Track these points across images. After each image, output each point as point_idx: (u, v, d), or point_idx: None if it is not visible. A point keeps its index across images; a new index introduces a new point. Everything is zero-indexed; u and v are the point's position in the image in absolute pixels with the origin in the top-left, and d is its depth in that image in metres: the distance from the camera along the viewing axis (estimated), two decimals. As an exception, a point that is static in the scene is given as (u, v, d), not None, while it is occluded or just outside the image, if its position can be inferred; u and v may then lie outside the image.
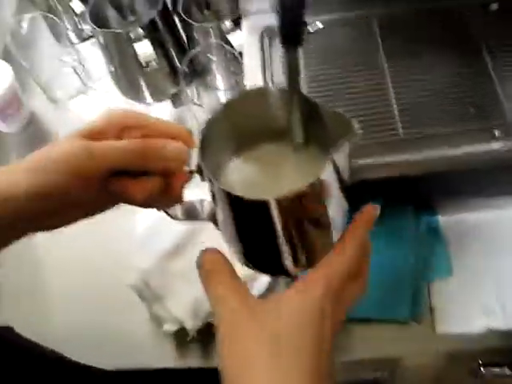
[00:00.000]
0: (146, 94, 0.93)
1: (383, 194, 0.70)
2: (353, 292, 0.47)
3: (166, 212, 0.49)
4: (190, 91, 0.93)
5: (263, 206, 0.40)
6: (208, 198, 0.46)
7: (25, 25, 0.93)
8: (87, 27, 1.01)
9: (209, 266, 0.45)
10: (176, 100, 0.95)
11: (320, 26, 0.73)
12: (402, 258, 0.75)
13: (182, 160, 0.44)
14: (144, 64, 0.83)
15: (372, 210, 0.49)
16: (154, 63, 0.84)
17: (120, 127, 0.44)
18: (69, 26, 1.01)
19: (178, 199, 0.46)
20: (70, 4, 0.94)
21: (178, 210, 0.49)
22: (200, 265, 0.45)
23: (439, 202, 0.77)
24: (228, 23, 0.85)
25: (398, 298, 0.72)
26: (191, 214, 0.50)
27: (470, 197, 0.76)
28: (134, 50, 0.84)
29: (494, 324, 0.69)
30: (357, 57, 0.70)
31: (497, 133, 0.63)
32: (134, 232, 0.81)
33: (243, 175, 0.48)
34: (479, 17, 0.72)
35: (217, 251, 0.46)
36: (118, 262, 0.79)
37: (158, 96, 0.94)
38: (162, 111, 0.95)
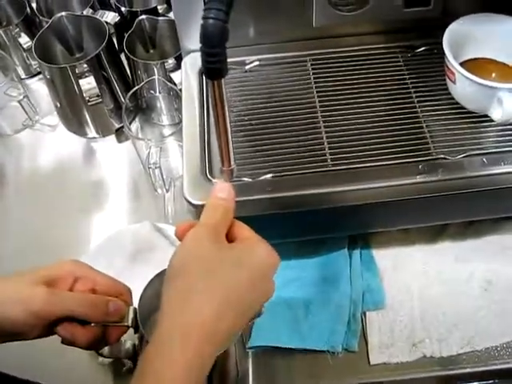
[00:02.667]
0: (91, 128, 0.95)
1: (317, 224, 0.72)
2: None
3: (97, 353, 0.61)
4: (134, 127, 0.95)
5: None
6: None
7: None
8: (35, 62, 1.02)
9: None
10: (120, 135, 0.96)
11: (256, 63, 0.76)
12: (336, 290, 0.76)
13: (121, 316, 0.55)
14: (88, 99, 0.84)
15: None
16: (98, 98, 0.85)
17: (72, 278, 0.55)
18: (17, 61, 1.02)
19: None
20: (19, 39, 0.95)
21: (104, 348, 0.62)
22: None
23: (373, 234, 0.80)
24: (171, 61, 0.87)
25: (333, 328, 0.73)
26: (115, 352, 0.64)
27: (402, 230, 0.79)
28: (79, 85, 0.85)
29: (427, 352, 0.70)
30: (290, 93, 0.73)
31: (422, 167, 0.65)
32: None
33: None
34: (407, 58, 0.76)
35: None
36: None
37: (102, 131, 0.95)
38: (106, 146, 0.96)
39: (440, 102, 0.71)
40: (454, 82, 0.67)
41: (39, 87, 1.03)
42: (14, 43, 0.98)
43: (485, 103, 0.65)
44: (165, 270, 0.48)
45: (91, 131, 0.95)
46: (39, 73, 1.03)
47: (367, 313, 0.74)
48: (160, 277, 0.59)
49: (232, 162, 0.53)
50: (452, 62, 0.65)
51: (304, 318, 0.74)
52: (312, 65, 0.76)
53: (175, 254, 0.47)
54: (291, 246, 0.80)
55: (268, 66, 0.76)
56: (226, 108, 0.48)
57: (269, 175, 0.65)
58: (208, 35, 0.44)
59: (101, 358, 0.71)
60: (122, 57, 0.94)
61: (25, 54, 1.00)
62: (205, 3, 0.45)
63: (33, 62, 1.01)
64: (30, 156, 0.96)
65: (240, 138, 0.69)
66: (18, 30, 0.96)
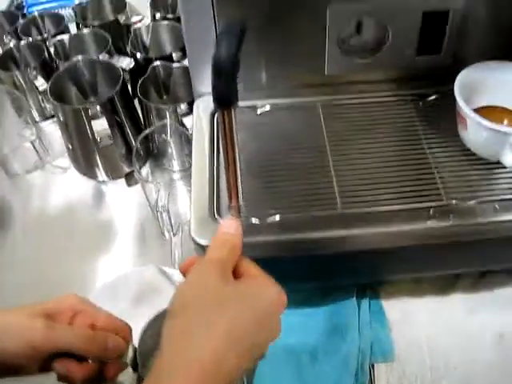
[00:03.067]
0: (102, 171, 0.95)
1: (325, 270, 0.71)
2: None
3: None
4: (145, 171, 0.95)
5: None
6: None
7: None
8: (50, 105, 1.03)
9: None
10: (130, 179, 0.96)
11: (268, 108, 0.76)
12: (344, 339, 0.74)
13: (120, 353, 0.54)
14: (99, 140, 0.84)
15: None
16: (109, 140, 0.85)
17: (72, 312, 0.54)
18: (32, 104, 1.04)
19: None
20: (35, 82, 0.96)
21: None
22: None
23: (382, 284, 0.78)
24: (184, 106, 0.88)
25: (341, 379, 0.70)
26: None
27: (412, 280, 0.77)
28: (91, 127, 0.86)
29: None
30: (300, 137, 0.73)
31: (433, 212, 0.64)
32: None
33: None
34: (418, 106, 0.76)
35: None
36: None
37: (112, 174, 0.95)
38: (115, 189, 0.96)
39: (451, 149, 0.71)
40: (465, 129, 0.66)
41: (53, 130, 1.04)
42: (31, 86, 0.99)
43: (497, 149, 0.65)
44: (166, 309, 0.46)
45: (101, 174, 0.95)
46: (53, 116, 1.04)
47: (375, 365, 0.72)
48: (161, 316, 0.58)
49: (240, 199, 0.52)
50: (464, 108, 0.64)
51: (310, 366, 0.72)
52: (323, 110, 0.76)
53: (177, 290, 0.46)
54: (298, 294, 0.79)
55: (279, 111, 0.76)
56: (235, 140, 0.47)
57: (277, 216, 0.65)
58: (219, 65, 0.44)
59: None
60: (136, 103, 0.96)
61: (40, 97, 1.02)
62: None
63: (47, 105, 1.03)
64: (39, 196, 0.97)
65: (249, 180, 0.68)
66: (34, 72, 0.97)
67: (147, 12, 1.07)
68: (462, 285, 0.78)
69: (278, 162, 0.70)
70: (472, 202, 0.65)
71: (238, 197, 0.52)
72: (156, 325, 0.58)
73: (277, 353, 0.74)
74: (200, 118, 0.76)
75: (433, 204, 0.65)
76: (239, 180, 0.51)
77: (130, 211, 0.93)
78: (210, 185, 0.68)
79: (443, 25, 0.73)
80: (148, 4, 1.06)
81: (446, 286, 0.78)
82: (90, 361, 0.53)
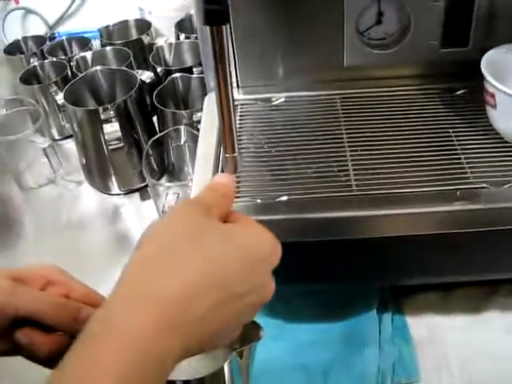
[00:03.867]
0: (115, 184, 0.91)
1: (338, 264, 0.64)
2: None
3: None
4: (159, 185, 0.91)
5: None
6: None
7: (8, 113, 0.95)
8: (69, 125, 1.02)
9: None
10: (144, 193, 0.92)
11: (282, 99, 0.72)
12: (361, 355, 0.66)
13: None
14: (109, 142, 0.81)
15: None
16: (119, 143, 0.82)
17: (44, 281, 0.47)
18: (52, 122, 1.03)
19: None
20: (55, 97, 0.95)
21: None
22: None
23: (406, 298, 0.71)
24: (200, 114, 0.84)
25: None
26: None
27: (439, 294, 0.69)
28: (103, 133, 0.83)
29: None
30: (316, 128, 0.68)
31: (460, 194, 0.57)
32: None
33: None
34: (445, 100, 0.71)
35: None
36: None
37: (126, 187, 0.92)
38: (129, 204, 0.92)
39: (479, 135, 0.65)
40: (494, 107, 0.60)
41: (70, 148, 1.02)
42: (52, 102, 0.99)
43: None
44: None
45: (115, 187, 0.92)
46: (71, 135, 1.03)
47: (399, 385, 0.63)
48: None
49: (236, 149, 0.47)
50: (491, 82, 0.59)
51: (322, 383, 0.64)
52: (342, 103, 0.71)
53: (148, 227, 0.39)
54: (315, 308, 0.71)
55: (295, 103, 0.72)
56: (228, 68, 0.43)
57: (284, 197, 0.59)
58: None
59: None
60: (154, 119, 0.94)
61: (60, 116, 1.01)
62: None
63: (67, 125, 1.01)
64: (51, 210, 0.94)
65: (258, 164, 0.63)
66: (56, 88, 0.97)
67: (171, 35, 1.08)
68: (500, 299, 0.70)
69: (290, 149, 0.65)
70: (504, 187, 0.58)
71: (233, 146, 0.47)
72: None
73: (286, 370, 0.66)
74: (210, 110, 0.72)
75: (460, 187, 0.58)
76: (234, 125, 0.46)
77: (143, 225, 0.89)
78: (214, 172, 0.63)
79: (469, 14, 0.69)
80: (173, 27, 1.06)
81: (479, 300, 0.70)
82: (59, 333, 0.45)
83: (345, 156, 0.63)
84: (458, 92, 0.72)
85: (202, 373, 0.43)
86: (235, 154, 0.47)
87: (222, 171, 0.63)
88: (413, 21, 0.69)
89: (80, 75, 0.89)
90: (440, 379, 0.64)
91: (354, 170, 0.61)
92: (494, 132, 0.64)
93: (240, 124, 0.69)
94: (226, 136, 0.45)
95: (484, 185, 0.58)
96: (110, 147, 0.82)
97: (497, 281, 0.71)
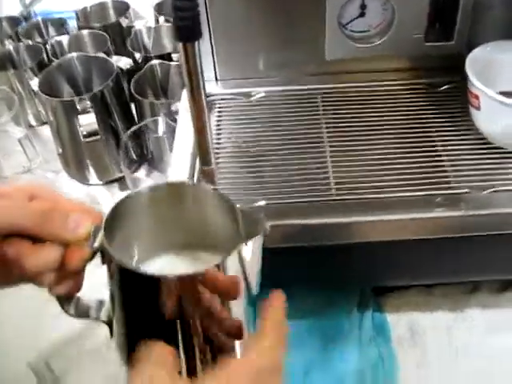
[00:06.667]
0: (92, 174, 0.89)
1: (317, 268, 0.63)
2: None
3: (60, 303, 0.44)
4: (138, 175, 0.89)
5: (166, 283, 0.37)
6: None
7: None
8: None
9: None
10: (123, 182, 0.90)
11: (262, 94, 0.70)
12: (341, 355, 0.66)
13: (84, 234, 0.40)
14: (85, 134, 0.79)
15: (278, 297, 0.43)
16: (95, 136, 0.80)
17: (28, 194, 0.41)
18: (28, 109, 1.00)
19: (74, 286, 0.42)
20: (30, 82, 0.92)
21: (71, 304, 0.45)
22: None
23: (386, 296, 0.70)
24: (178, 104, 0.82)
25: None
26: (84, 312, 0.45)
27: (421, 292, 0.69)
28: (79, 121, 0.81)
29: None
30: (296, 124, 0.67)
31: (441, 200, 0.56)
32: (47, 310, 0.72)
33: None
34: (428, 96, 0.69)
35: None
36: (23, 338, 0.69)
37: (104, 177, 0.90)
38: (108, 194, 0.90)
39: (462, 137, 0.64)
40: (478, 108, 0.59)
41: (47, 134, 0.99)
42: (28, 87, 0.96)
43: (512, 130, 0.57)
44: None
45: (92, 177, 0.90)
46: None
47: (379, 384, 0.63)
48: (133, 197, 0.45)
49: (213, 162, 0.45)
50: (475, 83, 0.57)
51: (301, 384, 0.63)
52: (323, 99, 0.70)
53: None
54: (292, 305, 0.70)
55: (275, 98, 0.70)
56: (202, 83, 0.41)
57: (262, 202, 0.57)
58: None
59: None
60: (132, 106, 0.92)
61: (37, 101, 0.98)
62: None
63: (42, 110, 0.98)
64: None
65: (236, 165, 0.62)
66: (31, 73, 0.94)
67: (151, 17, 1.04)
68: (481, 298, 0.69)
69: (269, 148, 0.64)
70: (485, 192, 0.57)
71: (210, 158, 0.45)
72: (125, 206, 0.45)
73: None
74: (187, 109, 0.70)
75: (441, 192, 0.57)
76: (209, 138, 0.44)
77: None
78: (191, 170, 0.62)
79: (454, 7, 0.67)
80: (152, 9, 1.02)
81: (461, 298, 0.70)
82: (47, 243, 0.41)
83: (325, 157, 0.62)
84: (443, 87, 0.70)
85: None
86: (212, 167, 0.45)
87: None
88: (397, 13, 0.67)
89: (56, 61, 0.86)
90: (419, 379, 0.64)
91: (334, 172, 0.60)
92: (477, 132, 0.63)
93: (218, 121, 0.67)
94: (202, 150, 0.44)
95: (466, 190, 0.57)
96: (87, 140, 0.80)
97: (478, 279, 0.70)
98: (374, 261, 0.61)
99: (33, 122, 1.02)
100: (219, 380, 0.36)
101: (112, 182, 0.91)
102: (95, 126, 0.80)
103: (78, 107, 0.80)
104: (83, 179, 0.91)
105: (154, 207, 0.44)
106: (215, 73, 0.71)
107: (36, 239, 0.39)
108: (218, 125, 0.66)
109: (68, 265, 0.40)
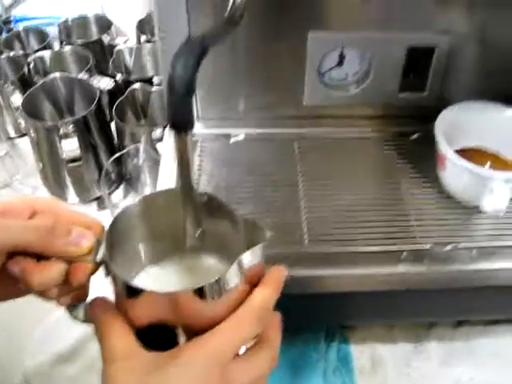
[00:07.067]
0: (72, 193, 0.91)
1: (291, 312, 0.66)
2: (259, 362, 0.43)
3: (69, 310, 0.45)
4: (118, 195, 0.91)
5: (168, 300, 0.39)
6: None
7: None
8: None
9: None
10: (102, 202, 0.92)
11: (242, 137, 0.73)
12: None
13: (87, 248, 0.42)
14: (68, 159, 0.81)
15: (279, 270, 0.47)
16: (77, 162, 0.82)
17: (30, 211, 0.42)
18: (8, 119, 1.01)
19: (81, 295, 0.44)
20: (11, 97, 0.93)
21: (80, 309, 0.45)
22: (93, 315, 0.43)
23: (352, 329, 0.74)
24: (159, 131, 0.84)
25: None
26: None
27: (384, 326, 0.73)
28: (61, 146, 0.83)
29: None
30: (272, 170, 0.70)
31: (405, 256, 0.61)
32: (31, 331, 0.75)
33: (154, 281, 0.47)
34: (399, 145, 0.73)
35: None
36: (6, 359, 0.72)
37: (83, 196, 0.92)
38: (86, 212, 0.92)
39: (429, 191, 0.67)
40: (444, 170, 0.63)
41: (27, 147, 1.00)
42: (7, 101, 0.97)
43: (476, 193, 0.61)
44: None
45: (71, 196, 0.92)
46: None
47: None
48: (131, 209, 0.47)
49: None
50: (442, 148, 0.61)
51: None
52: (299, 144, 0.73)
53: None
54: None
55: (253, 141, 0.73)
56: (191, 170, 0.44)
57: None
58: (175, 84, 0.40)
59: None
60: (113, 126, 0.93)
61: (16, 113, 0.99)
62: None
63: (23, 122, 0.99)
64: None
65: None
66: (13, 87, 0.94)
67: (133, 35, 1.05)
68: (438, 334, 0.74)
69: (248, 196, 0.67)
70: (448, 248, 0.61)
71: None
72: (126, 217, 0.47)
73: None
74: (171, 138, 0.73)
75: (406, 247, 0.62)
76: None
77: (98, 236, 0.89)
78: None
79: (428, 62, 0.71)
80: (134, 27, 1.04)
81: (419, 333, 0.74)
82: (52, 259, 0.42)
83: (299, 206, 0.65)
84: (414, 136, 0.74)
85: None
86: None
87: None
88: (373, 64, 0.71)
89: (39, 83, 0.87)
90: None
91: (307, 223, 0.63)
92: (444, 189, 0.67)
93: (199, 163, 0.70)
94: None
95: (428, 246, 0.61)
96: (69, 165, 0.82)
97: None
98: (341, 305, 0.65)
99: (12, 134, 1.03)
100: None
101: (91, 200, 0.93)
102: (78, 152, 0.82)
103: (61, 131, 0.82)
104: (62, 197, 0.92)
105: (156, 214, 0.46)
106: (197, 111, 0.74)
107: (40, 256, 0.40)
108: (200, 168, 0.69)
109: (72, 280, 0.42)
